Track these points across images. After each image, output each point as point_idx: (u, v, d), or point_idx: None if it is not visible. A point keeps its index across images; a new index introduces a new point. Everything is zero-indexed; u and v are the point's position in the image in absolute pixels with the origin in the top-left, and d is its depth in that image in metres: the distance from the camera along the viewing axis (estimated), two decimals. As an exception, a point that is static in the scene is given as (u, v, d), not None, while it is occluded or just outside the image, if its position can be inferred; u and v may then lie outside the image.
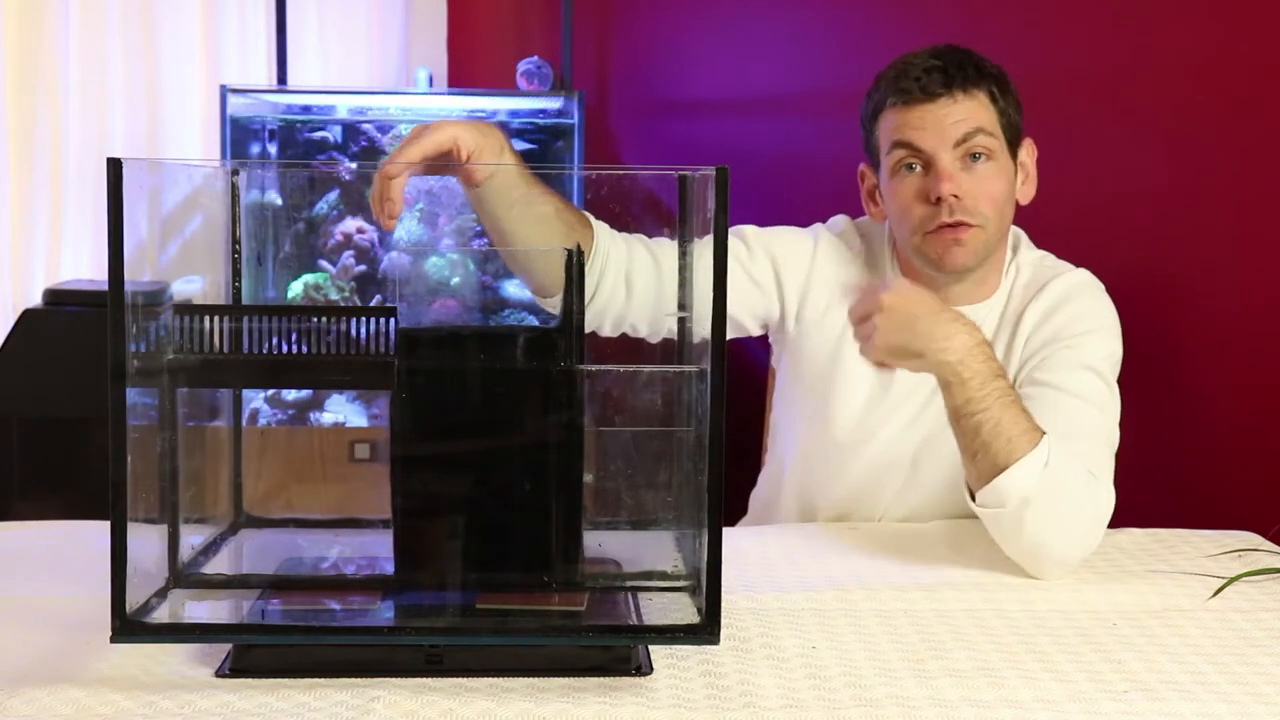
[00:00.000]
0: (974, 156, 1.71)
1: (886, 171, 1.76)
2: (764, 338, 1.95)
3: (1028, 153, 1.79)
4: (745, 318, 1.84)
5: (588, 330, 1.29)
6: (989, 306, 1.80)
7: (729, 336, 1.31)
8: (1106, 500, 1.58)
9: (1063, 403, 1.65)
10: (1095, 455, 1.61)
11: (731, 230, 1.82)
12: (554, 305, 1.63)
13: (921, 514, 1.81)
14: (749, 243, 1.83)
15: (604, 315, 1.72)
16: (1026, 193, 1.79)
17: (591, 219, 1.71)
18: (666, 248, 1.72)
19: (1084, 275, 1.81)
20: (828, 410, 1.82)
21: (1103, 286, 1.81)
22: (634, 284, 1.71)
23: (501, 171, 1.54)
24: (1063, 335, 1.73)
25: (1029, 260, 1.83)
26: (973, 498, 1.57)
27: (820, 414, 1.83)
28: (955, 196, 1.70)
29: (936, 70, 1.71)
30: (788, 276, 1.83)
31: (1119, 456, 1.68)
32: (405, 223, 3.25)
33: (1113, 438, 1.69)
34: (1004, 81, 1.75)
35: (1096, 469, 1.59)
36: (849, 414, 1.81)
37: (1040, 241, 1.87)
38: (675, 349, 1.43)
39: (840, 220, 1.90)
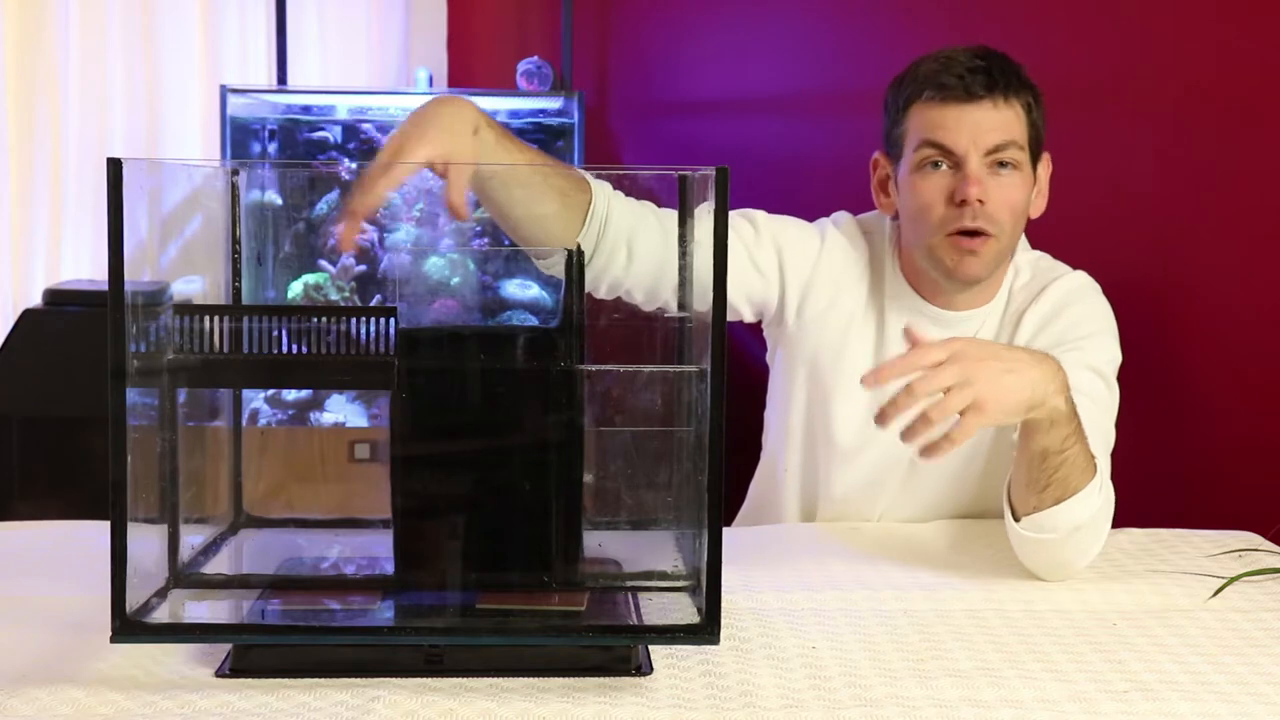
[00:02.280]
0: (1001, 165, 1.69)
1: (909, 165, 1.72)
2: (759, 334, 1.94)
3: (1044, 167, 1.77)
4: (741, 303, 1.81)
5: None
6: (989, 310, 1.80)
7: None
8: (1112, 504, 1.58)
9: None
10: (1101, 456, 1.61)
11: (740, 212, 1.81)
12: (548, 266, 1.58)
13: (920, 515, 1.80)
14: (758, 227, 1.80)
15: (601, 278, 1.67)
16: (1038, 206, 1.78)
17: (590, 179, 1.64)
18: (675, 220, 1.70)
19: (1082, 277, 1.81)
20: (829, 414, 1.81)
21: (1099, 288, 1.81)
22: (636, 250, 1.65)
23: (474, 169, 1.46)
24: (1066, 339, 1.73)
25: (1026, 261, 1.83)
26: (1014, 518, 1.54)
27: (821, 417, 1.82)
28: (980, 201, 1.67)
29: (981, 72, 1.68)
30: (792, 269, 1.80)
31: (1119, 456, 1.69)
32: (404, 224, 3.25)
33: (1111, 438, 1.69)
34: (1039, 94, 1.73)
35: (1103, 470, 1.59)
36: (852, 418, 1.80)
37: (1042, 242, 1.87)
38: (675, 349, 1.43)
39: (843, 216, 1.87)
